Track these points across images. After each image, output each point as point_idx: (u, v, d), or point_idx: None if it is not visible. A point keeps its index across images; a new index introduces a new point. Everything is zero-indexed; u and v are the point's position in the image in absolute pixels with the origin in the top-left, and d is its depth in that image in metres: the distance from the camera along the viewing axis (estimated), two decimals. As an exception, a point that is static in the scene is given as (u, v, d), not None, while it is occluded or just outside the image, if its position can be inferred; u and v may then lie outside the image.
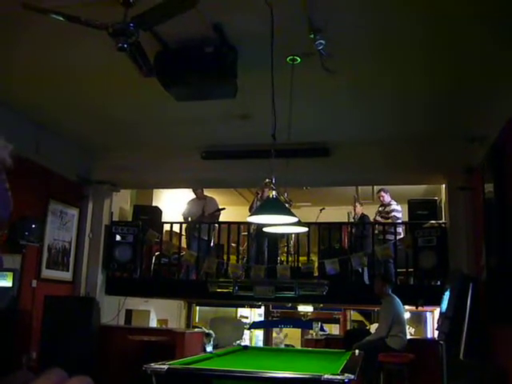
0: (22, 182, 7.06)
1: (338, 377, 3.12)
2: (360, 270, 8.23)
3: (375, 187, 9.79)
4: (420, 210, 8.76)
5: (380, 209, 9.06)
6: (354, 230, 8.91)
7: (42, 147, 7.14)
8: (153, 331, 8.58)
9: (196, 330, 9.86)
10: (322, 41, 4.48)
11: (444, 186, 8.12)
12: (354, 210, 9.60)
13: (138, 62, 4.51)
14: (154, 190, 10.86)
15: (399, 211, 8.85)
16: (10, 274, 6.79)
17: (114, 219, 8.96)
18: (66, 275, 8.15)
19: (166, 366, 3.41)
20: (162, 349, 7.13)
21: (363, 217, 9.48)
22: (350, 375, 3.17)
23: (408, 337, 7.33)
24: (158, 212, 9.65)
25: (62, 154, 7.81)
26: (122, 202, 9.65)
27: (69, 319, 7.27)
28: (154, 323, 10.51)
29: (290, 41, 4.74)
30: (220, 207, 9.51)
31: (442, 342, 6.57)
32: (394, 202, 8.92)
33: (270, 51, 4.32)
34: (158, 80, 4.92)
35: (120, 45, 3.70)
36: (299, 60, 5.06)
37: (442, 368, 6.52)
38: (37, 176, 7.33)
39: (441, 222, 8.17)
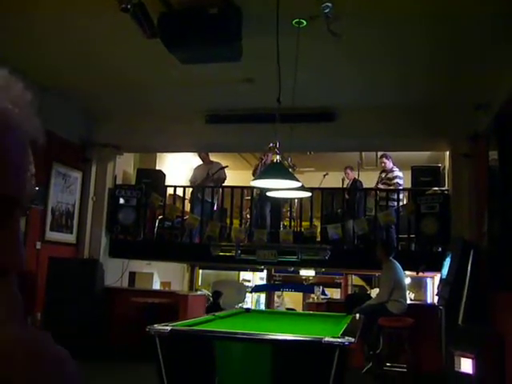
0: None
1: (339, 340, 3.16)
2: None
3: (379, 153, 9.75)
4: (423, 176, 8.74)
5: (382, 175, 9.03)
6: (346, 196, 8.91)
7: (44, 109, 7.09)
8: (156, 293, 8.69)
9: (199, 292, 10.00)
10: (328, 3, 4.40)
11: (448, 152, 8.09)
12: (346, 175, 9.58)
13: (141, 23, 4.46)
14: (158, 154, 10.84)
15: (401, 178, 8.83)
16: (15, 236, 6.84)
17: (117, 182, 8.98)
18: (70, 237, 8.21)
19: (168, 328, 3.46)
20: (165, 311, 7.23)
21: (355, 182, 9.47)
22: (350, 338, 3.21)
23: (408, 302, 7.41)
24: (161, 176, 9.65)
25: (65, 116, 7.77)
26: (125, 166, 9.64)
27: (73, 281, 7.37)
28: (157, 286, 10.63)
29: (296, 3, 4.67)
30: (223, 165, 9.46)
31: (441, 308, 6.65)
32: (396, 169, 8.89)
33: (276, 14, 4.26)
34: (161, 42, 4.87)
35: (123, 6, 3.66)
36: (305, 23, 4.99)
37: (440, 333, 6.61)
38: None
39: (444, 188, 8.16)
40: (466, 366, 5.98)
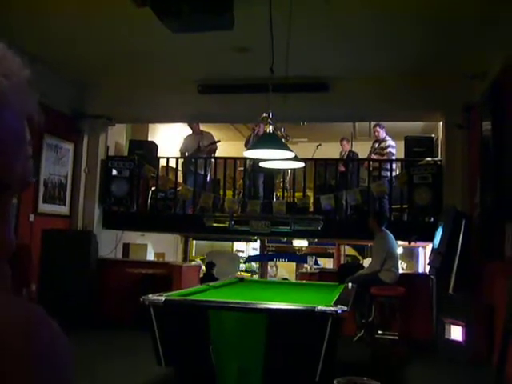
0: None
1: (332, 308, 3.20)
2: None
3: (372, 123, 9.73)
4: (416, 147, 8.73)
5: (375, 145, 9.01)
6: (342, 168, 8.91)
7: (34, 80, 7.02)
8: (150, 264, 8.73)
9: (193, 263, 10.05)
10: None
11: (441, 123, 8.08)
12: (342, 146, 9.57)
13: (131, -9, 4.38)
14: (150, 125, 10.77)
15: (394, 147, 8.82)
16: (8, 208, 6.82)
17: (109, 154, 8.93)
18: (63, 209, 8.20)
19: (163, 298, 3.49)
20: (159, 281, 7.27)
21: (350, 153, 9.47)
22: (342, 307, 3.26)
23: (400, 271, 7.49)
24: (153, 147, 9.60)
25: (56, 87, 7.67)
26: (117, 137, 9.58)
27: (67, 252, 7.39)
28: (151, 257, 10.67)
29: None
30: (216, 139, 9.46)
31: (432, 277, 6.73)
32: (389, 138, 8.88)
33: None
34: (152, 11, 4.79)
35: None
36: (298, -9, 4.92)
37: (431, 301, 6.71)
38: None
39: (437, 159, 8.18)
40: (457, 333, 6.09)
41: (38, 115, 0.55)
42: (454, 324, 6.14)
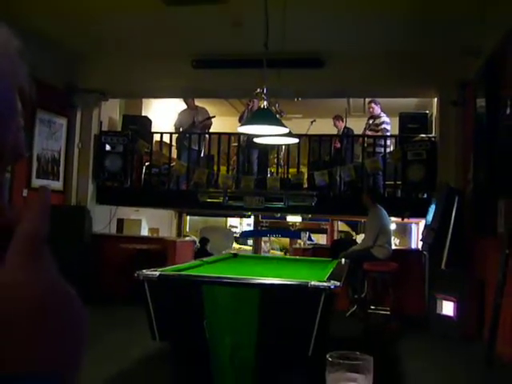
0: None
1: (325, 283, 3.23)
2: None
3: (367, 100, 9.70)
4: (411, 123, 8.73)
5: (370, 121, 9.00)
6: (338, 145, 8.89)
7: (25, 54, 6.94)
8: (144, 240, 8.75)
9: (187, 238, 10.08)
10: None
11: (436, 99, 8.07)
12: (336, 125, 9.54)
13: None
14: (144, 100, 10.69)
15: (388, 123, 8.81)
16: (0, 183, 6.80)
17: (103, 129, 8.88)
18: (57, 184, 8.17)
19: (157, 273, 3.51)
20: (153, 257, 7.30)
21: (345, 130, 9.46)
22: (335, 282, 3.29)
23: (393, 247, 7.54)
24: (147, 122, 9.55)
25: (48, 61, 7.58)
26: (110, 112, 9.51)
27: (61, 228, 7.37)
28: (145, 232, 10.68)
29: None
30: (210, 115, 9.42)
31: (425, 253, 6.78)
32: (383, 115, 8.86)
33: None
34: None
35: None
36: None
37: (424, 277, 6.77)
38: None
39: (431, 136, 8.18)
40: (448, 308, 6.16)
41: (29, 86, 0.54)
42: (445, 299, 6.21)
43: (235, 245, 13.05)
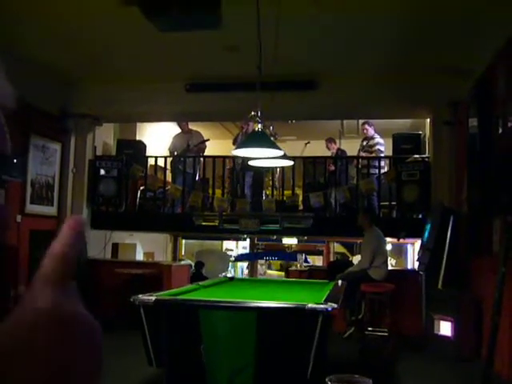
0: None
1: (322, 306, 3.21)
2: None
3: (360, 121, 9.76)
4: (404, 144, 8.78)
5: (364, 143, 9.05)
6: (332, 167, 8.92)
7: (19, 79, 6.96)
8: (140, 264, 8.70)
9: (182, 262, 10.03)
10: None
11: (428, 120, 8.13)
12: (328, 148, 9.58)
13: (118, -10, 4.36)
14: (138, 124, 10.73)
15: (382, 144, 8.87)
16: (-6, 209, 6.76)
17: (97, 154, 8.89)
18: (51, 210, 8.14)
19: (153, 297, 3.48)
20: (149, 281, 7.25)
21: (339, 151, 9.50)
22: (333, 304, 3.27)
23: (389, 268, 7.52)
24: (141, 146, 9.57)
25: (42, 87, 7.61)
26: (105, 137, 9.54)
27: (55, 253, 7.32)
28: (140, 256, 10.63)
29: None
30: (204, 138, 9.45)
31: (421, 273, 6.77)
32: (377, 136, 8.92)
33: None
34: (139, 9, 4.78)
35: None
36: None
37: (421, 297, 6.75)
38: (16, 109, 7.16)
39: (424, 156, 8.23)
40: (446, 328, 6.13)
41: (12, 102, 0.54)
42: (443, 319, 6.18)
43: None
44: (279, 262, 13.72)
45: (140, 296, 3.49)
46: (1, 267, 6.85)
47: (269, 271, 13.82)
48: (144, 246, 10.89)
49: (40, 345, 0.42)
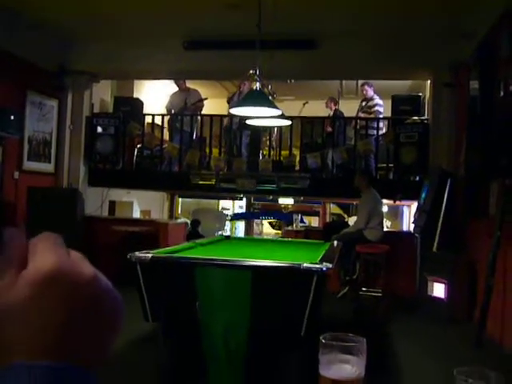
0: (-2, 70, 6.84)
1: (317, 265, 3.24)
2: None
3: (359, 82, 9.67)
4: (403, 105, 8.72)
5: (363, 104, 8.99)
6: (329, 128, 8.86)
7: (16, 36, 6.85)
8: (136, 222, 8.74)
9: (179, 220, 10.07)
10: None
11: (429, 81, 8.05)
12: (328, 106, 9.50)
13: None
14: (135, 82, 10.60)
15: (381, 106, 8.80)
16: (-9, 165, 6.76)
17: (94, 111, 8.82)
18: (48, 167, 8.12)
19: (149, 255, 3.50)
20: (145, 239, 7.29)
21: (336, 112, 9.43)
22: (328, 264, 3.30)
23: (385, 229, 7.57)
24: (139, 104, 9.49)
25: (39, 43, 7.49)
26: (102, 94, 9.44)
27: (53, 210, 7.34)
28: (137, 214, 10.67)
29: None
30: (202, 97, 9.37)
31: (417, 235, 6.81)
32: (376, 97, 8.85)
33: None
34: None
35: None
36: None
37: (415, 259, 6.81)
38: (13, 66, 7.08)
39: (423, 118, 8.18)
40: (439, 290, 6.20)
41: None
42: (436, 281, 6.25)
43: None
44: (276, 221, 13.79)
45: (136, 253, 3.51)
46: (-2, 223, 6.87)
47: (265, 230, 13.90)
48: (141, 204, 10.92)
49: (46, 303, 0.42)
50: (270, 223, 13.95)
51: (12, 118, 6.90)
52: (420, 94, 9.02)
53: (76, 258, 0.47)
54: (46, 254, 0.45)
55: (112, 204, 9.59)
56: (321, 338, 1.06)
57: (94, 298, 0.45)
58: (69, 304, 0.43)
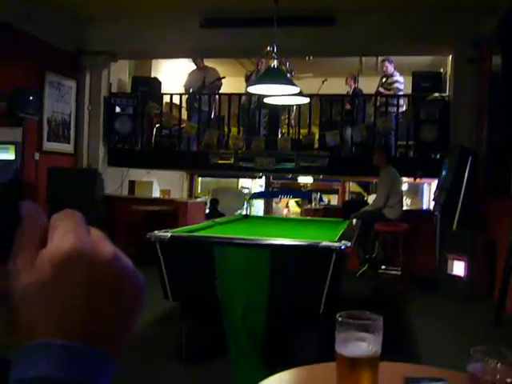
0: (16, 53, 6.87)
1: (335, 244, 3.23)
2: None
3: (379, 58, 9.53)
4: (424, 82, 8.57)
5: (383, 80, 8.87)
6: (348, 106, 8.77)
7: (33, 17, 6.86)
8: (156, 201, 8.79)
9: (198, 199, 10.12)
10: None
11: (450, 57, 7.90)
12: (348, 84, 9.38)
13: None
14: (153, 61, 10.58)
15: (402, 83, 8.68)
16: (12, 147, 6.83)
17: (112, 91, 8.84)
18: (68, 147, 8.19)
19: (169, 234, 3.53)
20: (165, 218, 7.34)
21: (356, 90, 9.31)
22: (346, 242, 3.29)
23: (404, 208, 7.51)
24: (157, 83, 9.48)
25: (56, 23, 7.50)
26: (120, 74, 9.45)
27: (73, 190, 7.42)
28: (156, 194, 10.74)
29: None
30: (220, 75, 9.32)
31: (437, 213, 6.76)
32: (397, 73, 8.71)
33: None
34: None
35: None
36: None
37: (435, 238, 6.77)
38: (31, 47, 7.11)
39: (444, 94, 8.05)
40: (459, 268, 6.17)
41: None
42: (456, 259, 6.21)
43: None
44: (295, 200, 13.79)
45: (156, 232, 3.53)
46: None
47: (284, 209, 13.91)
48: (160, 184, 10.98)
49: (66, 282, 0.42)
50: (289, 202, 13.95)
51: (31, 98, 6.95)
52: (441, 70, 8.87)
53: (96, 237, 0.47)
54: (66, 233, 0.45)
55: (132, 184, 9.66)
56: (337, 316, 1.06)
57: (113, 277, 0.44)
58: (88, 283, 0.43)
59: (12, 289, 0.43)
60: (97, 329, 0.43)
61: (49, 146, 7.68)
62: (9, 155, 6.81)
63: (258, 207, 13.64)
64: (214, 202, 10.35)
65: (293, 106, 8.66)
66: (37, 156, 7.37)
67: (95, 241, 0.46)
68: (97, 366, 0.42)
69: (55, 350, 0.41)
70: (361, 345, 1.04)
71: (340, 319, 1.05)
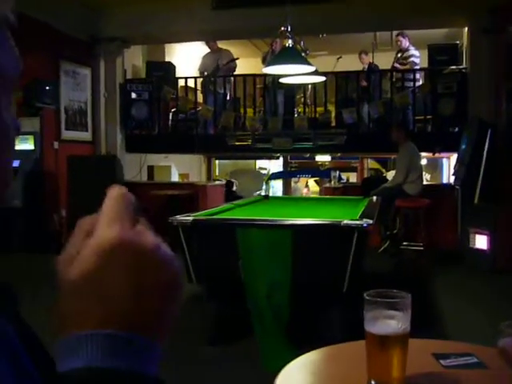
0: (30, 43, 6.90)
1: (357, 222, 3.24)
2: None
3: (394, 33, 9.39)
4: (440, 55, 8.44)
5: (398, 55, 8.75)
6: (364, 83, 8.67)
7: (46, 6, 6.87)
8: (175, 185, 8.83)
9: (217, 182, 10.15)
10: None
11: (466, 29, 7.77)
12: (361, 60, 9.26)
13: None
14: (166, 46, 10.56)
15: (417, 56, 8.55)
16: (31, 137, 6.91)
17: (127, 77, 8.85)
18: (86, 135, 8.25)
19: (191, 218, 3.55)
20: (185, 202, 7.39)
21: (371, 66, 9.20)
22: (368, 220, 3.29)
23: (424, 183, 7.46)
24: (171, 68, 9.47)
25: (69, 12, 7.51)
26: (134, 60, 9.46)
27: (93, 177, 7.48)
28: (175, 178, 10.79)
29: None
30: (234, 57, 9.28)
31: (457, 187, 6.71)
32: (412, 48, 8.59)
33: None
34: None
35: None
36: None
37: (456, 212, 6.72)
38: (45, 36, 7.14)
39: (461, 67, 7.93)
40: (481, 242, 6.14)
41: (11, 15, 0.48)
42: (478, 233, 6.18)
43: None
44: (314, 179, 13.76)
45: (178, 217, 3.56)
46: (42, 192, 7.06)
47: (304, 188, 13.90)
48: (179, 168, 11.03)
49: (110, 273, 0.44)
50: (308, 181, 13.93)
51: (47, 88, 7.00)
52: (457, 42, 8.73)
53: (140, 227, 0.48)
54: (111, 222, 0.46)
55: (150, 169, 9.71)
56: (365, 294, 1.08)
57: (156, 266, 0.46)
58: (132, 273, 0.44)
59: (59, 279, 0.45)
60: (142, 317, 0.44)
61: (67, 134, 7.75)
62: (28, 145, 6.89)
63: (277, 187, 13.63)
64: (229, 184, 10.36)
65: (308, 84, 8.60)
66: (56, 145, 7.44)
67: (137, 231, 0.47)
68: (143, 354, 0.43)
69: (101, 340, 0.42)
70: (390, 323, 1.05)
71: (368, 298, 1.06)
